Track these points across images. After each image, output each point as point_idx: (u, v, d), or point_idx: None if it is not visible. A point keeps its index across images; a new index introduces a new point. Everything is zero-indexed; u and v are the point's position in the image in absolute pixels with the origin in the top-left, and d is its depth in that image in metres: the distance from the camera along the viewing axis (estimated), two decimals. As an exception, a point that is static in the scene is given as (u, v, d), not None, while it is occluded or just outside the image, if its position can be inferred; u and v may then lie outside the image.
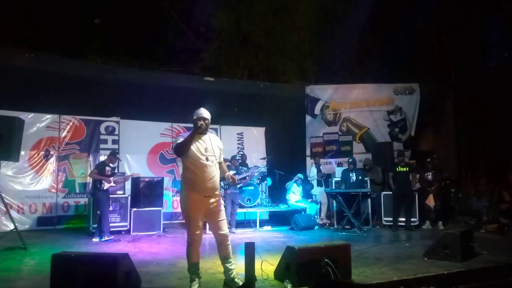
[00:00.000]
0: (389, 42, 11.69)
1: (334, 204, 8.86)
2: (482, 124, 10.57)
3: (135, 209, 7.93)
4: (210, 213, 3.98)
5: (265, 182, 9.65)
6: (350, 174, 8.87)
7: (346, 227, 8.33)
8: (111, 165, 7.56)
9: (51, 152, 8.87)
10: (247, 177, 8.49)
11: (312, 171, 10.03)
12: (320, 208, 9.57)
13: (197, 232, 3.89)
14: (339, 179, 9.13)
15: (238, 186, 8.17)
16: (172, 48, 12.63)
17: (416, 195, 8.66)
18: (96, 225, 7.39)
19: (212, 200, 3.96)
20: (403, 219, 8.44)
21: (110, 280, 3.64)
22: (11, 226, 6.90)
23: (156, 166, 9.84)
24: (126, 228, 7.90)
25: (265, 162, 9.77)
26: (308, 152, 10.95)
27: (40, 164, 8.75)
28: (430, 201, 8.61)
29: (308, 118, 11.08)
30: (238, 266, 4.21)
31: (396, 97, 10.98)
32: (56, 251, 3.99)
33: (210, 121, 4.03)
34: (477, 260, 5.26)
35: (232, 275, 4.02)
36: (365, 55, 12.94)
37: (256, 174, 8.74)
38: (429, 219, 8.67)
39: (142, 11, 11.72)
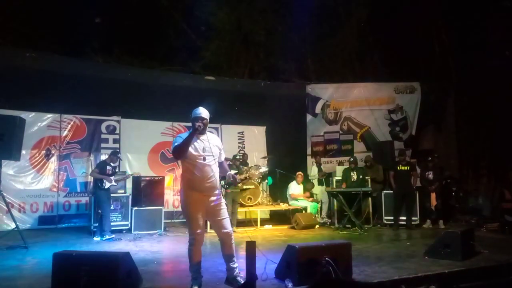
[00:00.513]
0: (389, 41, 11.69)
1: (335, 203, 8.86)
2: (483, 122, 10.56)
3: (136, 208, 7.95)
4: (211, 211, 3.98)
5: (266, 181, 9.65)
6: (351, 173, 8.87)
7: (347, 226, 8.33)
8: (112, 164, 7.57)
9: (52, 151, 8.89)
10: (247, 178, 8.48)
11: (313, 170, 10.03)
12: (321, 207, 9.57)
13: (198, 231, 3.88)
14: (340, 178, 9.13)
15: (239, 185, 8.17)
16: (173, 47, 12.65)
17: (417, 194, 8.66)
18: (97, 224, 7.41)
19: (212, 198, 3.95)
20: (404, 218, 8.44)
21: (111, 279, 3.65)
22: (13, 225, 6.92)
23: (157, 165, 9.85)
24: (127, 227, 7.92)
25: (266, 161, 9.77)
26: (309, 151, 10.95)
27: (41, 163, 8.76)
28: (433, 201, 8.60)
29: (308, 117, 11.08)
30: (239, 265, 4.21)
31: (397, 96, 10.99)
32: (57, 250, 3.99)
33: (208, 120, 4.00)
34: (478, 259, 5.25)
35: (235, 274, 4.02)
36: (366, 54, 12.94)
37: (257, 173, 8.73)
38: (429, 218, 8.67)
39: (142, 10, 11.74)
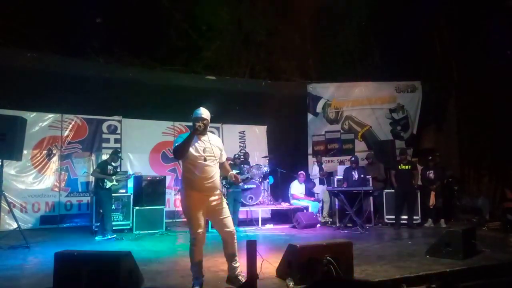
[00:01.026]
0: (391, 40, 11.66)
1: (336, 202, 8.86)
2: (485, 122, 10.53)
3: (137, 207, 7.96)
4: (212, 211, 3.98)
5: (267, 180, 9.66)
6: (352, 172, 8.87)
7: (348, 225, 8.33)
8: (113, 164, 7.59)
9: (54, 151, 8.91)
10: (249, 178, 8.49)
11: (314, 169, 10.03)
12: (322, 206, 9.58)
13: (199, 230, 3.88)
14: (341, 177, 9.13)
15: (240, 185, 8.18)
16: (174, 47, 12.65)
17: (418, 193, 8.65)
18: (98, 224, 7.43)
19: (212, 198, 3.95)
20: (405, 217, 8.44)
21: (112, 278, 3.65)
22: (14, 225, 6.93)
23: (158, 164, 9.86)
24: (128, 227, 7.93)
25: (267, 161, 9.77)
26: (310, 151, 10.95)
27: (43, 163, 8.78)
28: (432, 200, 8.60)
29: (310, 116, 11.07)
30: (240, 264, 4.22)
31: (398, 95, 10.98)
32: (59, 250, 3.99)
33: (209, 120, 4.00)
34: (479, 258, 5.24)
35: (236, 273, 4.03)
36: (367, 53, 12.91)
37: (258, 172, 8.75)
38: (431, 217, 8.66)
39: (143, 10, 11.73)
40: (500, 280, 4.53)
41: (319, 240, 6.10)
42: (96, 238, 7.17)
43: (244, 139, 10.99)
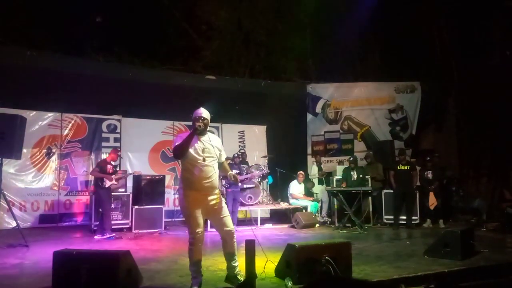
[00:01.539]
0: (390, 40, 11.67)
1: (335, 202, 8.87)
2: (484, 122, 10.53)
3: (136, 206, 7.97)
4: (210, 210, 3.98)
5: (266, 180, 9.67)
6: (351, 172, 8.88)
7: (347, 225, 8.34)
8: (112, 163, 7.59)
9: (53, 150, 8.92)
10: (248, 178, 8.49)
11: (313, 169, 10.03)
12: (321, 206, 9.58)
13: (198, 230, 3.88)
14: (340, 177, 9.14)
15: (240, 184, 8.18)
16: (174, 46, 12.64)
17: (417, 194, 8.66)
18: (97, 223, 7.43)
19: (211, 197, 3.96)
20: (404, 217, 8.45)
21: (111, 277, 3.66)
22: (13, 224, 6.94)
23: (157, 164, 9.87)
24: (127, 226, 7.94)
25: (266, 161, 9.78)
26: (309, 151, 10.95)
27: (42, 162, 8.79)
28: (430, 200, 8.61)
29: (309, 116, 11.08)
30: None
31: (398, 96, 10.98)
32: (58, 249, 4.00)
33: (209, 120, 4.01)
34: (477, 258, 5.26)
35: (235, 272, 4.04)
36: (367, 53, 12.92)
37: (257, 172, 8.75)
38: (429, 218, 8.67)
39: (143, 9, 11.72)
40: (498, 280, 4.54)
41: (318, 240, 6.11)
42: (95, 237, 7.17)
43: (244, 138, 11.00)
